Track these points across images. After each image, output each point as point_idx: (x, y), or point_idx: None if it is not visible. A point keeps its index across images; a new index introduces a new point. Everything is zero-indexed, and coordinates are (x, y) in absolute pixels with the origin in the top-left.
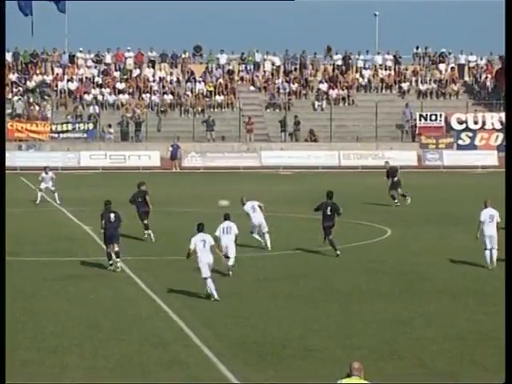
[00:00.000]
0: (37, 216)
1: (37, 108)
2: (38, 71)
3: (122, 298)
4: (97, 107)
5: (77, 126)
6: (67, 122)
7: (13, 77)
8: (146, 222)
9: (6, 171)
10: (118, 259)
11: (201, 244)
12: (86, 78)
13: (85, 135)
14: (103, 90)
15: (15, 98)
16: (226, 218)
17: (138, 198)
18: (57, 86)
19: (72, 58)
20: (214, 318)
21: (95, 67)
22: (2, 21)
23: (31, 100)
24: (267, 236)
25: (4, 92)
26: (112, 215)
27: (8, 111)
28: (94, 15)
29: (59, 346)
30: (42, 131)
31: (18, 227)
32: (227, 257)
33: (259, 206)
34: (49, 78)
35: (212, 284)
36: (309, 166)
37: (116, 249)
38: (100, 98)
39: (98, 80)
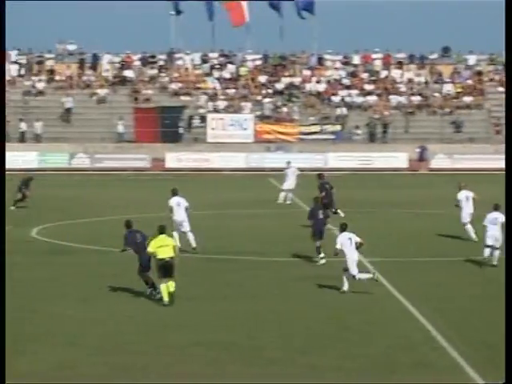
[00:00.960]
0: (283, 216)
1: (285, 110)
2: (286, 73)
3: (370, 299)
4: (344, 109)
5: (324, 127)
6: (315, 124)
7: (262, 79)
8: None
9: (256, 173)
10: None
11: (347, 242)
12: (334, 79)
13: (332, 136)
14: (351, 91)
15: (264, 99)
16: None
17: None
18: (305, 87)
19: (320, 60)
20: (462, 321)
21: (343, 69)
22: (2, 21)
23: (280, 102)
24: None
25: (4, 92)
26: (138, 235)
27: (257, 113)
28: (342, 16)
29: (307, 347)
30: (291, 133)
31: (265, 228)
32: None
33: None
34: (297, 80)
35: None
36: None
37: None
38: (348, 99)
39: (346, 81)
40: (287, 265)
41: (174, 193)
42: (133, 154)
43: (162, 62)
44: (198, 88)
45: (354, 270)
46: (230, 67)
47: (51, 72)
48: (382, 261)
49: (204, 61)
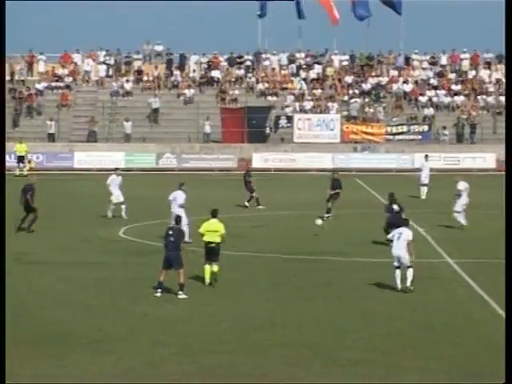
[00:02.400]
0: (370, 217)
1: (371, 110)
2: (373, 73)
3: (456, 300)
4: (432, 109)
5: (412, 127)
6: (402, 124)
7: (349, 79)
8: None
9: (342, 173)
10: (181, 292)
11: (396, 237)
12: (422, 79)
13: (420, 137)
14: (438, 91)
15: (351, 100)
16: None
17: None
18: (392, 87)
19: (407, 60)
20: None
21: (430, 69)
22: (3, 21)
23: (366, 102)
24: None
25: (4, 91)
26: (170, 232)
27: (344, 113)
28: (429, 16)
29: (392, 347)
30: (377, 133)
31: (350, 228)
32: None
33: None
34: (384, 80)
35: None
36: None
37: (181, 280)
38: (435, 99)
39: (434, 82)
40: (373, 265)
41: (179, 187)
42: (219, 155)
43: (248, 63)
44: (285, 88)
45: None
46: (317, 67)
47: (139, 72)
48: (468, 262)
49: (291, 61)
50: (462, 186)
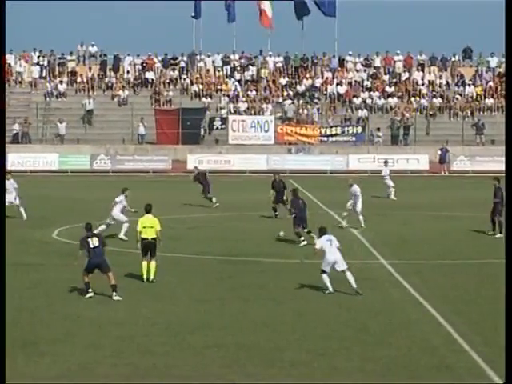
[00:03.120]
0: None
1: (305, 112)
2: (307, 75)
3: (390, 301)
4: (366, 111)
5: (346, 129)
6: (336, 126)
7: (283, 81)
8: None
9: (257, 174)
10: (115, 294)
11: (327, 244)
12: (356, 81)
13: (353, 139)
14: (372, 93)
15: (285, 101)
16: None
17: None
18: (326, 89)
19: (341, 62)
20: (482, 323)
21: (364, 70)
22: (3, 21)
23: (301, 104)
24: None
25: (4, 91)
26: (90, 240)
27: (278, 115)
28: (363, 17)
29: (328, 349)
30: (311, 135)
31: (284, 229)
32: None
33: None
34: (318, 82)
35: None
36: None
37: (112, 282)
38: (369, 101)
39: (367, 83)
40: (308, 267)
41: (122, 192)
42: (154, 156)
43: (183, 64)
44: (220, 90)
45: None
46: (251, 69)
47: (73, 74)
48: (402, 263)
49: (225, 63)
50: (355, 190)
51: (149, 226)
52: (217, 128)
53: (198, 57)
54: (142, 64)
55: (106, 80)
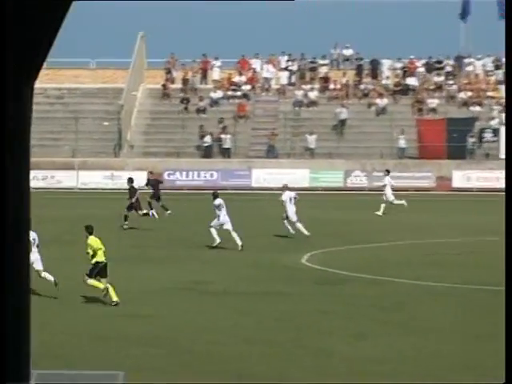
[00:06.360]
0: None
1: None
2: None
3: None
4: None
5: None
6: None
7: None
8: None
9: None
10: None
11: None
12: None
13: None
14: None
15: None
16: None
17: None
18: None
19: None
20: None
21: None
22: (3, 21)
23: None
24: None
25: (4, 91)
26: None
27: None
28: None
29: None
30: None
31: None
32: None
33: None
34: None
35: None
36: None
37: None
38: None
39: None
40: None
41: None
42: (416, 172)
43: (449, 68)
44: (490, 97)
45: None
46: None
47: (325, 80)
48: None
49: (497, 67)
50: (286, 196)
51: (100, 248)
52: (487, 141)
53: (465, 60)
54: (402, 68)
55: (362, 87)
